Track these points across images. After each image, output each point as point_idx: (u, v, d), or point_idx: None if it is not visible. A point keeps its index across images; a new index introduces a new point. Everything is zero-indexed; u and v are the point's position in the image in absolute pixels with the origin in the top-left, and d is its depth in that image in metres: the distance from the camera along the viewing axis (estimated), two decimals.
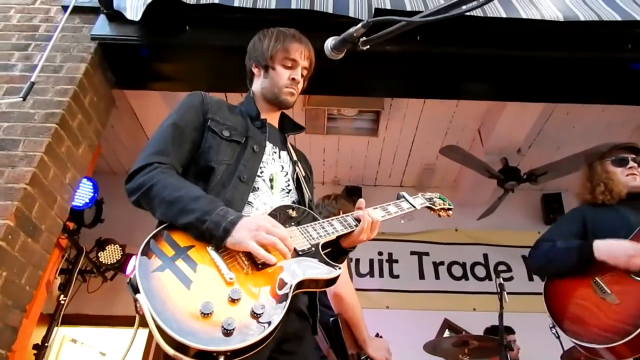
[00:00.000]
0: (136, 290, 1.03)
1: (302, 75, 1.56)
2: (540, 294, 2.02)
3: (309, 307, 1.41)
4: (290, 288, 1.14)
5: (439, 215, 1.72)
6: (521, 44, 2.88)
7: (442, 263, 4.94)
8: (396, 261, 4.90)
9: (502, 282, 3.02)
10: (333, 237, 1.34)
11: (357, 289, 2.23)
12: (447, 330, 4.54)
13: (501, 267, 4.91)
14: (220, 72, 3.09)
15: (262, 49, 1.55)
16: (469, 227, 4.95)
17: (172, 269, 1.08)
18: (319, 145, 4.78)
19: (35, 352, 3.33)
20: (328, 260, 1.27)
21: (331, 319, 2.06)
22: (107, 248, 4.19)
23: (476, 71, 3.14)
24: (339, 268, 1.25)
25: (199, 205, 1.19)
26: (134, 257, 4.29)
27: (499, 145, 4.41)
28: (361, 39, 1.21)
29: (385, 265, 4.87)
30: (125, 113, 4.08)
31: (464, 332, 4.32)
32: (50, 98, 2.65)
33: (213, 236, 1.15)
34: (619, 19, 2.70)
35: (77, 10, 2.94)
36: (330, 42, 1.26)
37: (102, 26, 2.89)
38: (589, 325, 1.80)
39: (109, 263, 4.19)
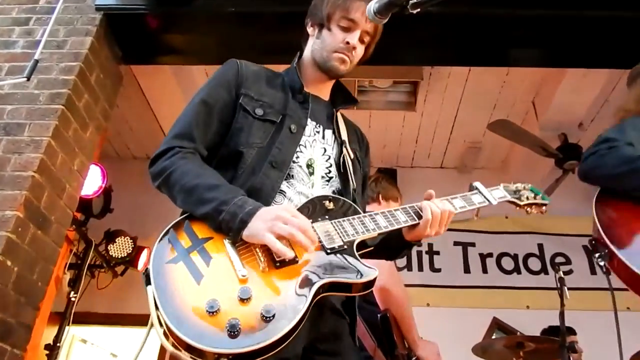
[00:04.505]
0: (149, 282, 1.11)
1: (362, 41, 1.51)
2: (605, 289, 1.97)
3: (345, 304, 1.42)
4: (310, 291, 1.14)
5: (527, 212, 1.67)
6: (582, 3, 2.84)
7: (490, 255, 4.93)
8: (437, 253, 4.93)
9: (562, 276, 3.03)
10: (373, 234, 1.34)
11: None
12: (496, 330, 4.57)
13: (559, 259, 4.88)
14: (234, 43, 3.16)
15: (321, 5, 1.53)
16: (521, 214, 4.92)
17: (185, 262, 1.15)
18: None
19: (47, 352, 3.53)
20: (361, 261, 1.26)
21: (379, 314, 2.11)
22: (117, 240, 4.35)
23: (530, 34, 3.12)
24: (375, 270, 1.24)
25: (216, 195, 1.23)
26: (146, 250, 4.49)
27: (556, 119, 4.35)
28: (411, 1, 1.16)
29: (425, 258, 4.91)
30: (132, 91, 4.18)
31: (518, 333, 4.35)
32: (55, 77, 2.77)
33: (230, 228, 1.20)
34: None
35: None
36: (373, 6, 1.22)
37: None
38: None
39: (119, 257, 4.34)
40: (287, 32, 2.75)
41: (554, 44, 3.19)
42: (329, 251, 1.25)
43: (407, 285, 4.61)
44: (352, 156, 1.54)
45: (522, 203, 1.64)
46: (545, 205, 1.69)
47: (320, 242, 1.25)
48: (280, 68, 1.63)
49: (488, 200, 1.54)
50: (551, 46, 3.22)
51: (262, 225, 1.18)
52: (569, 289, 3.04)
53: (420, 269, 4.88)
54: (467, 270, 4.88)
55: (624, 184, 1.75)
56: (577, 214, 4.88)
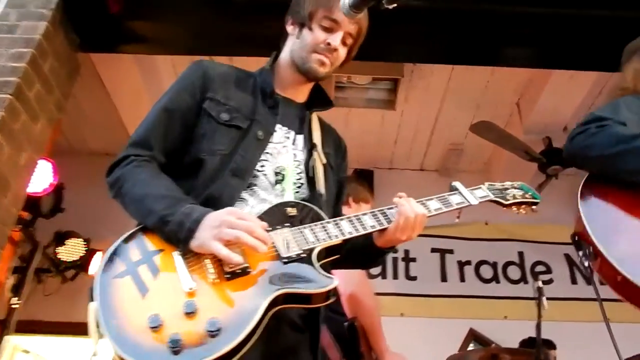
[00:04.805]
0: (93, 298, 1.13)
1: (344, 43, 1.53)
2: (586, 299, 1.95)
3: (306, 318, 1.42)
4: (262, 303, 1.15)
5: (515, 212, 1.64)
6: (579, 1, 2.91)
7: (468, 262, 5.04)
8: (414, 260, 4.99)
9: (540, 285, 3.10)
10: (336, 241, 1.35)
11: None
12: (472, 342, 4.65)
13: (539, 268, 5.02)
14: (206, 33, 3.14)
15: (303, 2, 1.54)
16: (502, 220, 4.92)
17: (133, 276, 1.18)
18: (324, 119, 4.79)
19: None
20: (321, 270, 1.26)
21: (346, 323, 2.15)
22: (67, 242, 4.27)
23: (517, 32, 3.19)
24: (334, 280, 1.24)
25: (164, 204, 1.26)
26: (99, 253, 4.40)
27: (541, 122, 4.47)
28: None
29: (401, 265, 4.96)
30: (90, 81, 4.06)
31: (493, 345, 4.45)
32: (4, 64, 2.71)
33: (178, 239, 1.23)
34: None
35: None
36: None
37: None
38: None
39: (69, 260, 4.27)
40: (264, 22, 2.75)
41: (542, 44, 3.28)
42: (285, 260, 1.26)
43: (380, 294, 4.69)
44: (323, 161, 1.56)
45: (506, 202, 1.61)
46: (535, 203, 1.66)
47: (276, 250, 1.27)
48: (255, 61, 1.64)
49: (467, 201, 1.53)
50: (539, 45, 3.30)
51: (209, 233, 1.20)
52: (548, 299, 3.12)
53: (395, 276, 4.93)
54: (444, 278, 4.97)
55: (617, 166, 1.65)
56: (559, 222, 4.99)
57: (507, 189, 1.65)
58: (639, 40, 2.09)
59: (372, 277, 4.79)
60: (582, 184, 1.69)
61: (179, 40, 3.21)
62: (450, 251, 5.07)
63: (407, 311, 4.73)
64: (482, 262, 5.06)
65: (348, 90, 4.50)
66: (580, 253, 1.57)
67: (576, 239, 1.60)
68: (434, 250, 5.06)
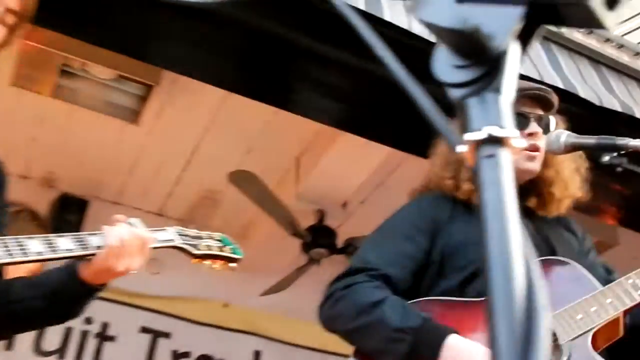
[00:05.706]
0: None
1: (2, 22, 1.59)
2: None
3: None
4: None
5: (212, 267, 1.78)
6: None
7: (186, 355, 5.06)
8: (111, 339, 4.88)
9: None
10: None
11: None
12: None
13: None
14: None
15: None
16: (246, 305, 5.15)
17: None
18: (34, 112, 4.47)
19: None
20: None
21: None
22: None
23: (318, 78, 3.34)
24: None
25: None
26: None
27: (319, 189, 4.69)
28: None
29: (91, 344, 4.81)
30: None
31: None
32: None
33: None
34: None
35: None
36: None
37: None
38: None
39: None
40: None
41: (343, 99, 3.47)
42: None
43: None
44: None
45: (197, 252, 1.73)
46: (234, 260, 1.81)
47: None
48: None
49: None
50: (339, 100, 3.48)
51: None
52: None
53: (79, 358, 4.75)
54: None
55: (360, 344, 1.81)
56: (313, 319, 5.24)
57: (201, 237, 1.79)
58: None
59: (44, 354, 4.61)
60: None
61: None
62: (167, 335, 5.06)
63: None
64: (204, 357, 5.12)
65: (79, 81, 4.26)
66: None
67: None
68: (144, 330, 5.00)
